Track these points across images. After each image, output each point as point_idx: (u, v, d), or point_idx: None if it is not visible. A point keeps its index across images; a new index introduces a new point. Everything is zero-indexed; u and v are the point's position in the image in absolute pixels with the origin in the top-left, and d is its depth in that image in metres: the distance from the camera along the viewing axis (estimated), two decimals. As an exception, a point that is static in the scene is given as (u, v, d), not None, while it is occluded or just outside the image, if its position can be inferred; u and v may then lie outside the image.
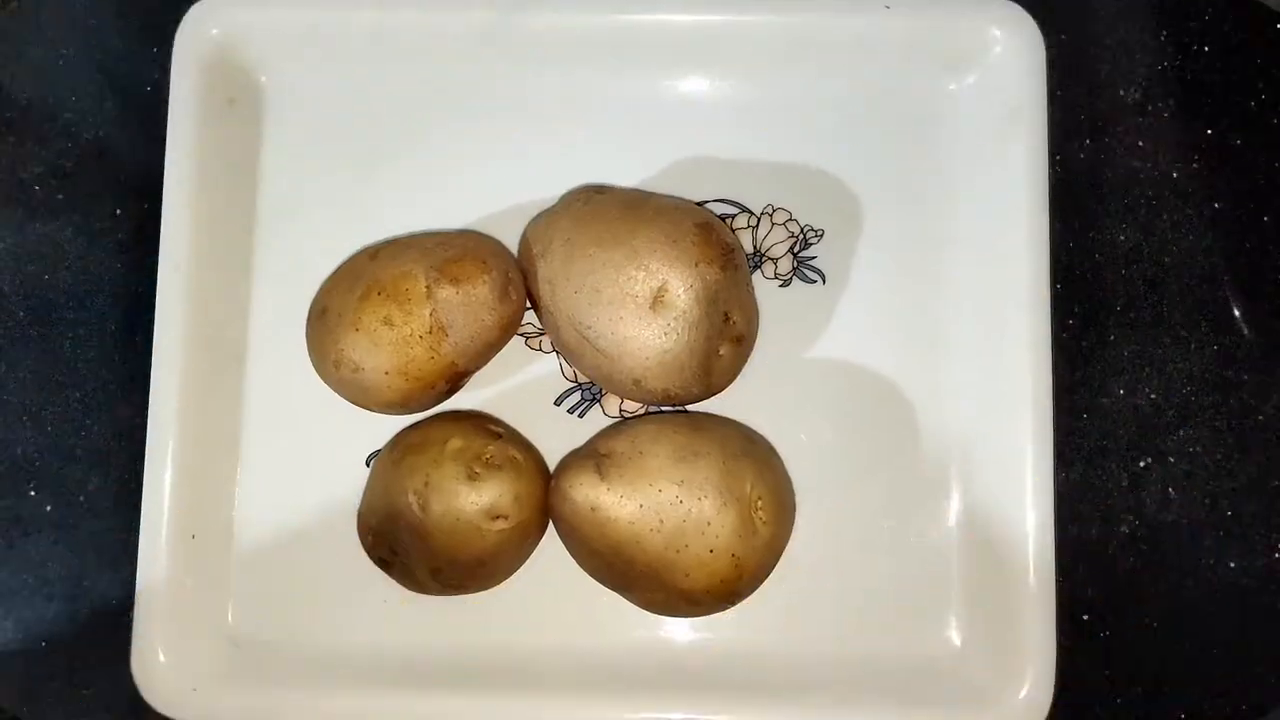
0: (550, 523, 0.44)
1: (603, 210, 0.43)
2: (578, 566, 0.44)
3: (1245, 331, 0.48)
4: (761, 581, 0.42)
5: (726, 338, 0.43)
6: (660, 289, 0.41)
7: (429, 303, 0.42)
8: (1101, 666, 0.47)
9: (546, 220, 0.44)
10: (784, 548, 0.43)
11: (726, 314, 0.43)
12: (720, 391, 0.44)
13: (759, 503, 0.41)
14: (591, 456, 0.42)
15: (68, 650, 0.48)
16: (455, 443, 0.42)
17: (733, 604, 0.42)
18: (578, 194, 0.45)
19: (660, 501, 0.40)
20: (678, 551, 0.40)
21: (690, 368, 0.42)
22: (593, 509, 0.41)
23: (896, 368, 0.47)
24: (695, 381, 0.42)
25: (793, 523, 0.44)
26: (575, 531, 0.42)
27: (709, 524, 0.40)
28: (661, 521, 0.40)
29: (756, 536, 0.41)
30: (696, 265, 0.42)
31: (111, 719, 0.48)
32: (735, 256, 0.43)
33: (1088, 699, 0.47)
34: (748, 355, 0.45)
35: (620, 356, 0.42)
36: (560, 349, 0.45)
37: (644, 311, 0.41)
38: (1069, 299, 0.48)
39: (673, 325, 0.41)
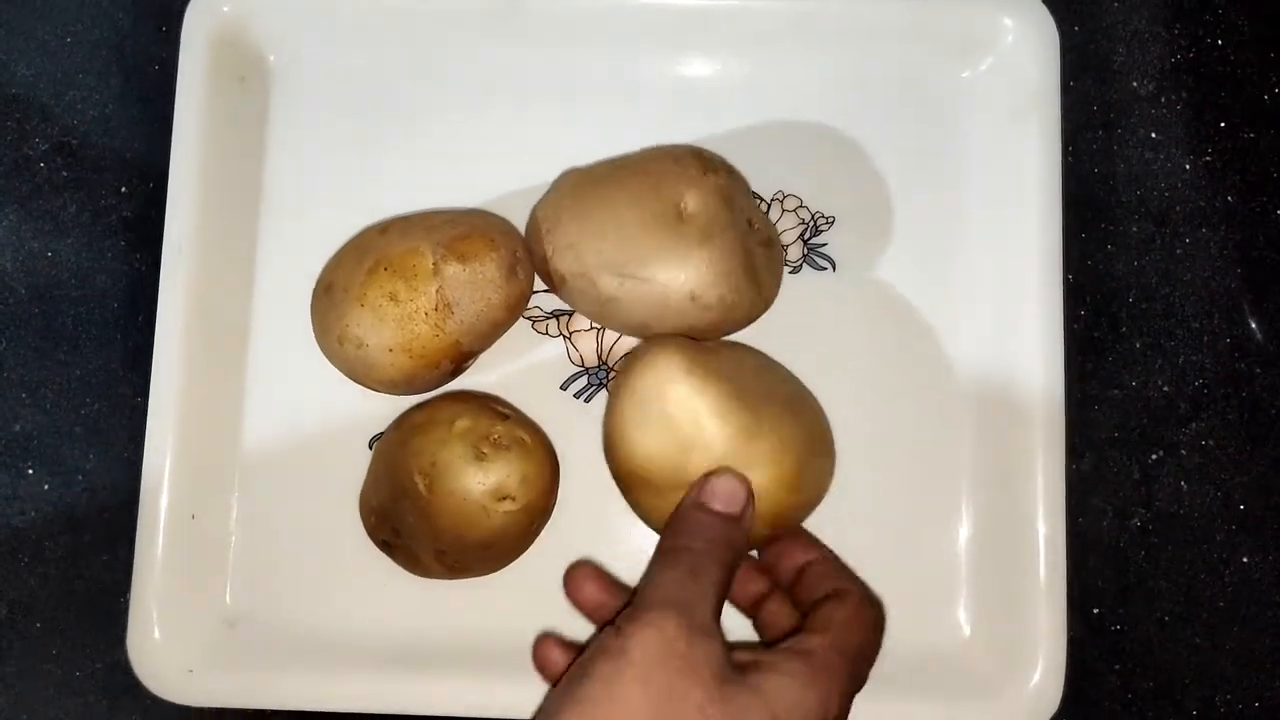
0: (553, 507, 0.44)
1: (598, 169, 0.44)
2: (584, 544, 0.44)
3: (1254, 325, 0.48)
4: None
5: (757, 241, 0.43)
6: (681, 203, 0.42)
7: (436, 279, 0.42)
8: (1112, 661, 0.47)
9: (550, 197, 0.44)
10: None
11: (749, 220, 0.43)
12: (771, 301, 0.44)
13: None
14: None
15: (62, 631, 0.47)
16: (463, 423, 0.42)
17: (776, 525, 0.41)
18: (566, 173, 0.46)
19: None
20: (747, 441, 0.39)
21: (736, 271, 0.42)
22: (687, 373, 0.39)
23: (906, 356, 0.47)
24: (746, 284, 0.42)
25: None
26: (662, 393, 0.39)
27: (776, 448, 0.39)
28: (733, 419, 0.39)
29: (799, 492, 0.41)
30: (705, 175, 0.42)
31: (106, 701, 0.47)
32: (732, 169, 0.44)
33: (1098, 694, 0.47)
34: (781, 261, 0.45)
35: (669, 281, 0.41)
36: (599, 314, 0.44)
37: (675, 226, 0.42)
38: (1081, 289, 0.48)
39: (706, 230, 0.42)
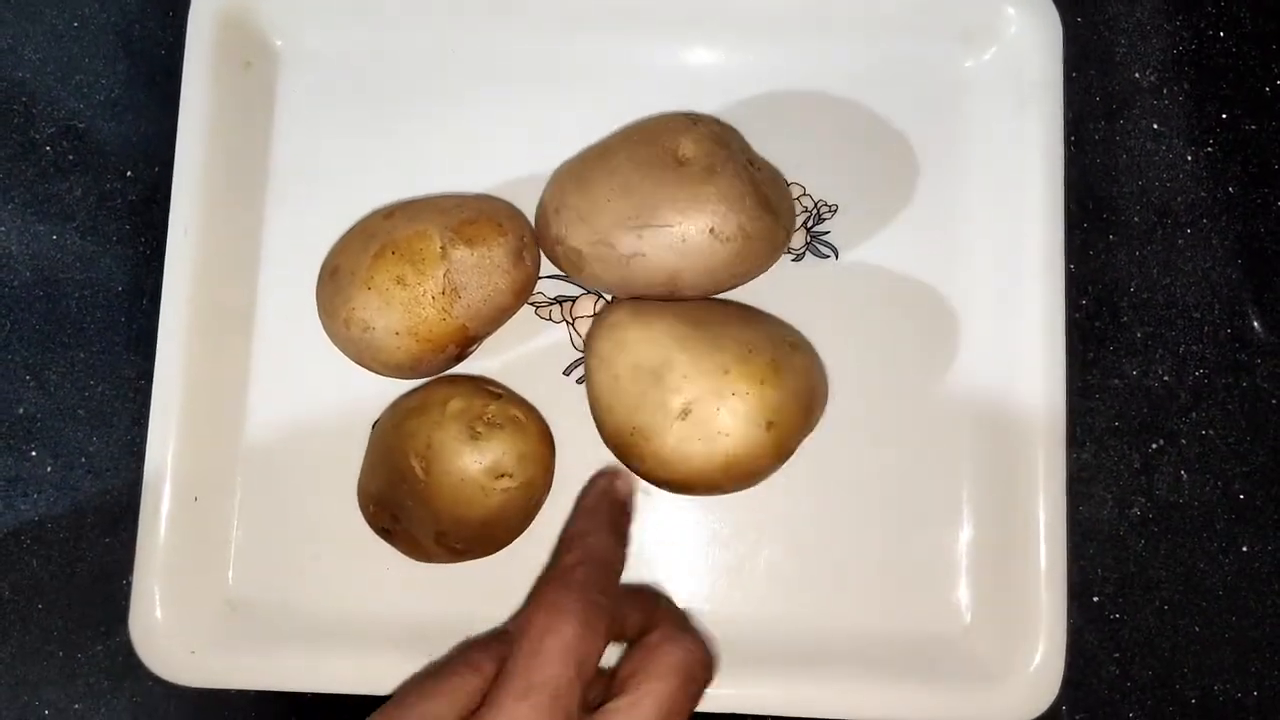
0: (551, 485, 0.44)
1: (589, 149, 0.45)
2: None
3: (1255, 316, 0.48)
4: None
5: (762, 176, 0.43)
6: (678, 150, 0.42)
7: (443, 263, 0.42)
8: (1111, 649, 0.47)
9: (550, 186, 0.45)
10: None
11: (749, 160, 0.43)
12: (791, 231, 0.44)
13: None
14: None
15: (64, 613, 0.47)
16: (456, 403, 0.42)
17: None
18: (560, 165, 0.46)
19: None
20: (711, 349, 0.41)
21: (749, 199, 0.41)
22: (633, 316, 0.42)
23: (908, 344, 0.47)
24: (761, 211, 0.42)
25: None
26: (622, 343, 0.42)
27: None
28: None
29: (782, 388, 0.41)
30: (695, 124, 0.43)
31: (108, 682, 0.47)
32: (721, 121, 0.45)
33: (1097, 682, 0.47)
34: (789, 192, 0.45)
35: (685, 221, 0.41)
36: (626, 278, 0.43)
37: (677, 170, 0.42)
38: (1082, 279, 0.48)
39: (708, 167, 0.41)
